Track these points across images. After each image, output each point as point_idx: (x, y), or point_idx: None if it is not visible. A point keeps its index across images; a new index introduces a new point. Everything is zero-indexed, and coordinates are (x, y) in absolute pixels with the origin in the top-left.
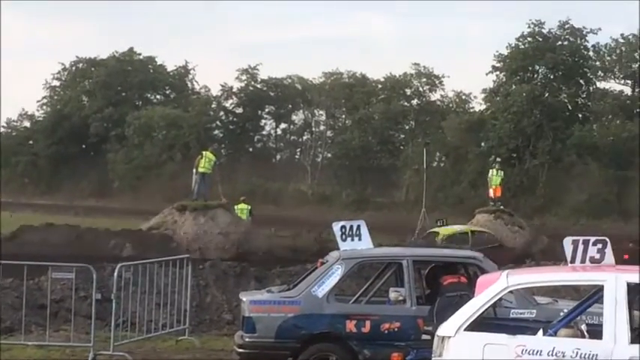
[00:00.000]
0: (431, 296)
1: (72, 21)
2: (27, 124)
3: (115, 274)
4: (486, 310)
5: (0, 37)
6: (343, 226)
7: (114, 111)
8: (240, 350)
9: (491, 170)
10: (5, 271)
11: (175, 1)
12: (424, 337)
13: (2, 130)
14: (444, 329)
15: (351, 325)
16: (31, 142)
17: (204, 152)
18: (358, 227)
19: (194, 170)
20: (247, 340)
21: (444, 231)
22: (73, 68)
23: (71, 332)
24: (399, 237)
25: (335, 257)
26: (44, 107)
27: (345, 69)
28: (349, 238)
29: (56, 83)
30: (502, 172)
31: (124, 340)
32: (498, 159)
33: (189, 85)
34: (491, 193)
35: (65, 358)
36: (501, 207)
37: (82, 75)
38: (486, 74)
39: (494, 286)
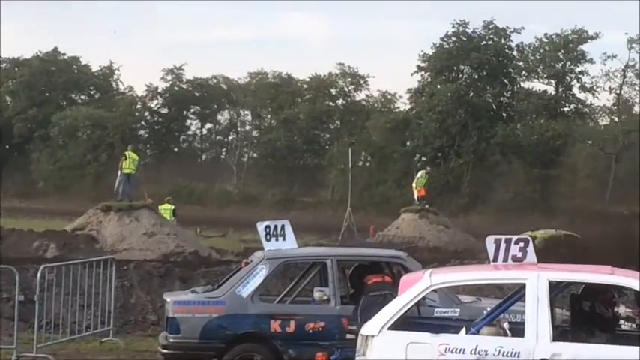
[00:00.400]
0: (355, 295)
1: None
2: None
3: (39, 275)
4: (410, 308)
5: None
6: (267, 226)
7: (38, 111)
8: (165, 351)
9: (420, 171)
10: None
11: (100, 1)
12: (348, 336)
13: None
14: (368, 328)
15: (275, 325)
16: None
17: (126, 153)
18: (282, 227)
19: (119, 172)
20: (171, 340)
21: (540, 235)
22: None
23: None
24: (325, 236)
25: (259, 257)
26: None
27: (271, 69)
28: (273, 238)
29: None
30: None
31: (47, 341)
32: (424, 158)
33: (114, 85)
34: (416, 193)
35: None
36: (426, 206)
37: (6, 75)
38: (411, 74)
39: (418, 284)
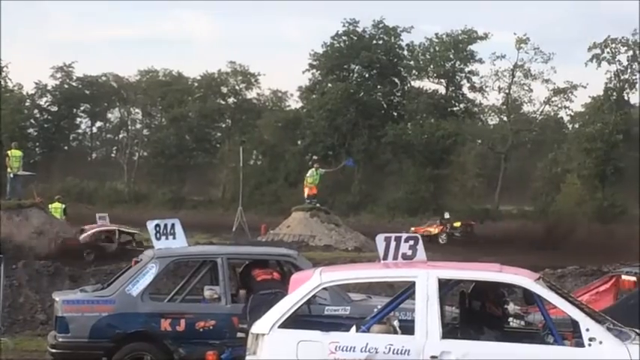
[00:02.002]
0: (245, 294)
1: None
2: None
3: None
4: (300, 307)
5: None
6: (157, 225)
7: None
8: (54, 351)
9: (311, 170)
10: None
11: None
12: (239, 334)
13: None
14: (258, 327)
15: (165, 324)
16: None
17: (9, 152)
18: (173, 226)
19: (8, 170)
20: (60, 340)
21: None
22: None
23: None
24: (216, 235)
25: (149, 256)
26: None
27: (161, 67)
28: (164, 237)
29: None
30: (321, 170)
31: None
32: (315, 157)
33: (2, 82)
34: (306, 191)
35: None
36: (317, 205)
37: None
38: (303, 72)
39: (308, 283)
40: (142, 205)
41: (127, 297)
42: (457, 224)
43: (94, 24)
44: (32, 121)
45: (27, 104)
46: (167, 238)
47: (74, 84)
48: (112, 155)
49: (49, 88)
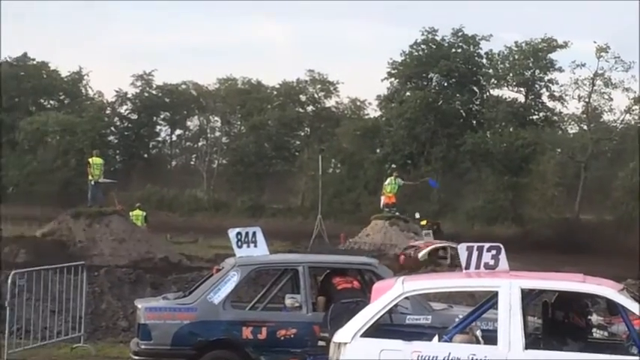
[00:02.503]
0: (326, 302)
1: None
2: None
3: (9, 281)
4: (382, 316)
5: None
6: (239, 233)
7: (6, 116)
8: (136, 357)
9: (389, 178)
10: None
11: (70, 7)
12: (320, 343)
13: None
14: (340, 335)
15: (247, 332)
16: None
17: (90, 159)
18: (254, 234)
19: (89, 177)
20: (143, 347)
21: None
22: None
23: None
24: (295, 243)
25: (231, 264)
26: None
27: (240, 75)
28: (245, 245)
29: None
30: (400, 180)
31: (18, 347)
32: (393, 165)
33: (84, 90)
34: (383, 200)
35: None
36: (397, 213)
37: None
38: (381, 81)
39: (390, 292)
40: (221, 213)
41: (209, 305)
42: (423, 222)
43: (174, 32)
44: (112, 128)
45: (107, 112)
46: (248, 246)
47: (154, 92)
48: (192, 163)
49: (129, 96)
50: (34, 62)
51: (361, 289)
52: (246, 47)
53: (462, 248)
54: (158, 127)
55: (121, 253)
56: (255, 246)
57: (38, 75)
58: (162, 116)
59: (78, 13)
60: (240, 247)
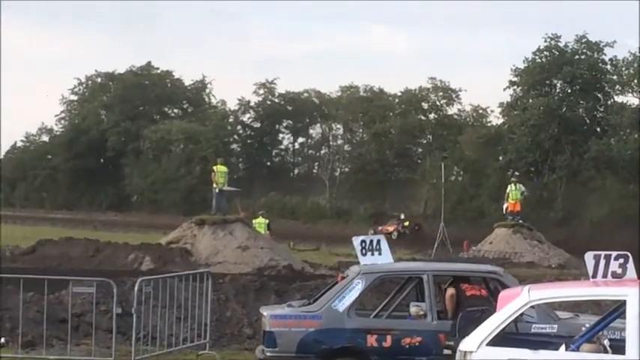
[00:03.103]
0: (453, 310)
1: (90, 35)
2: (45, 138)
3: (136, 288)
4: (508, 325)
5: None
6: (363, 241)
7: (131, 125)
8: None
9: (510, 185)
10: (26, 285)
11: (193, 16)
12: (445, 351)
13: (21, 144)
14: (466, 344)
15: (372, 340)
16: (49, 156)
17: (215, 167)
18: (378, 242)
19: (214, 185)
20: (268, 354)
21: None
22: (89, 82)
23: (92, 346)
24: (418, 251)
25: (355, 272)
26: (62, 121)
27: (362, 83)
28: (369, 253)
29: (74, 97)
30: (521, 186)
31: (145, 354)
32: (516, 173)
33: (207, 99)
34: (504, 206)
35: None
36: (520, 221)
37: (100, 89)
38: (504, 89)
39: (516, 300)
40: (343, 221)
41: (334, 312)
42: (406, 223)
43: (296, 40)
44: (236, 137)
45: (230, 120)
46: (373, 254)
47: (276, 100)
48: (314, 171)
49: (252, 104)
50: (158, 71)
51: (488, 297)
52: (368, 55)
53: (588, 257)
54: (281, 135)
55: (244, 260)
56: (380, 254)
57: (162, 84)
58: (284, 124)
59: (200, 21)
60: (364, 255)
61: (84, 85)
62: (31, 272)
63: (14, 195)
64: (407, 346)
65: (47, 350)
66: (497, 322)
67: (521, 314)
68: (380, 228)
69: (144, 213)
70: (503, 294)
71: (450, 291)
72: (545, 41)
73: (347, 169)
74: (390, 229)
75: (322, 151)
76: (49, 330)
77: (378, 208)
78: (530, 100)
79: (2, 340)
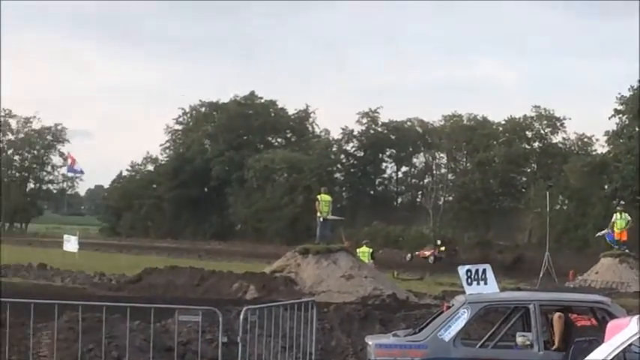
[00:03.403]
0: (561, 340)
1: (194, 65)
2: (151, 167)
3: (241, 317)
4: (617, 355)
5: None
6: (469, 270)
7: (235, 154)
8: None
9: (615, 214)
10: (132, 314)
11: (296, 45)
12: None
13: (127, 173)
14: None
15: None
16: (154, 185)
17: (319, 196)
18: (484, 271)
19: (317, 214)
20: None
21: None
22: (194, 112)
23: None
24: (522, 280)
25: (461, 301)
26: (167, 151)
27: (465, 112)
28: (475, 282)
29: (178, 127)
30: (627, 215)
31: None
32: (622, 202)
33: (310, 128)
34: (607, 232)
35: None
36: (626, 250)
37: (204, 118)
38: (609, 118)
39: (625, 331)
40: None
41: (440, 342)
42: (443, 248)
43: (399, 69)
44: (339, 166)
45: (334, 149)
46: (478, 284)
47: (380, 129)
48: (417, 200)
49: (355, 133)
50: (262, 100)
51: (597, 327)
52: (472, 83)
53: None
54: (384, 164)
55: (348, 289)
56: (485, 283)
57: (266, 113)
58: (387, 153)
59: (304, 50)
60: (470, 284)
61: (188, 115)
62: (137, 301)
63: (120, 224)
64: None
65: None
66: (607, 352)
67: (630, 344)
68: (417, 253)
69: (247, 242)
70: (611, 324)
71: (560, 321)
72: None
73: (450, 198)
74: (427, 253)
75: (425, 180)
76: (155, 358)
77: (482, 237)
78: (637, 129)
79: None
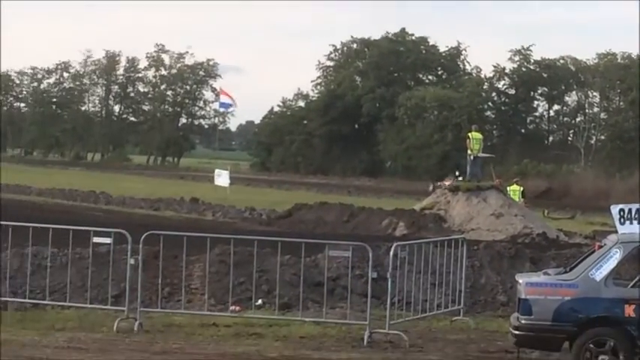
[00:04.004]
0: None
1: (345, 2)
2: (301, 103)
3: (391, 253)
4: None
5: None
6: (622, 210)
7: (386, 91)
8: (517, 332)
9: None
10: (283, 249)
11: None
12: None
13: (278, 109)
14: None
15: (629, 310)
16: (305, 121)
17: (470, 134)
18: (637, 210)
19: (468, 152)
20: (523, 322)
21: None
22: (345, 49)
23: (347, 310)
24: None
25: (613, 240)
26: (318, 87)
27: (620, 50)
28: (628, 222)
29: (329, 64)
30: None
31: (399, 319)
32: None
33: (461, 65)
34: None
35: (341, 335)
36: None
37: (356, 55)
38: None
39: None
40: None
41: (591, 281)
42: (460, 178)
43: (553, 6)
44: (490, 104)
45: (485, 87)
46: (631, 223)
47: (532, 67)
48: (569, 139)
49: (507, 71)
50: (413, 37)
51: None
52: (626, 22)
53: None
54: (535, 103)
55: (497, 227)
56: (639, 223)
57: (417, 50)
58: (539, 91)
59: None
60: (622, 224)
61: (339, 52)
62: (287, 236)
63: (270, 159)
64: None
65: (303, 312)
66: None
67: None
68: (439, 183)
69: (397, 179)
70: None
71: None
72: None
73: (603, 137)
74: (447, 183)
75: (577, 119)
76: (304, 293)
77: (635, 177)
78: None
79: (259, 301)
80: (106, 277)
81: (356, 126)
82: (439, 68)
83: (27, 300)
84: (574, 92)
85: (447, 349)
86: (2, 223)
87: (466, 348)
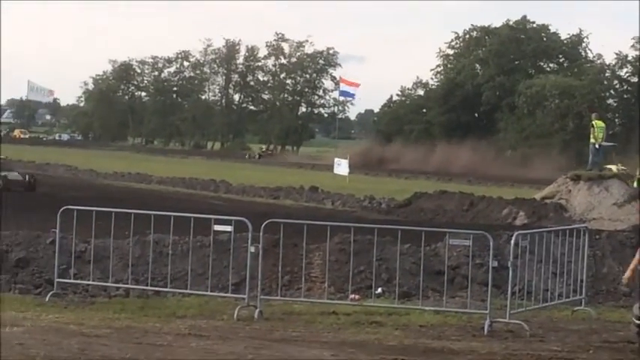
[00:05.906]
0: None
1: None
2: (421, 92)
3: (512, 242)
4: None
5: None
6: None
7: (506, 79)
8: (639, 323)
9: None
10: (403, 237)
11: None
12: None
13: (397, 97)
14: None
15: None
16: (424, 110)
17: (593, 123)
18: None
19: (591, 140)
20: None
21: None
22: (466, 37)
23: (467, 299)
24: None
25: None
26: (438, 75)
27: None
28: None
29: (450, 52)
30: None
31: (519, 308)
32: None
33: (583, 53)
34: None
35: (461, 324)
36: None
37: (476, 43)
38: None
39: None
40: None
41: None
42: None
43: None
44: (612, 91)
45: (607, 75)
46: None
47: None
48: None
49: (629, 58)
50: (534, 25)
51: None
52: None
53: None
54: None
55: (620, 217)
56: None
57: (538, 37)
58: None
59: None
60: None
61: (460, 40)
62: (407, 224)
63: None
64: None
65: (423, 301)
66: None
67: None
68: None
69: (517, 167)
70: None
71: None
72: None
73: None
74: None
75: None
76: (424, 281)
77: None
78: None
79: (379, 290)
80: (227, 265)
81: (476, 115)
82: (560, 56)
83: (149, 287)
84: None
85: (568, 339)
86: (124, 210)
87: (588, 338)
